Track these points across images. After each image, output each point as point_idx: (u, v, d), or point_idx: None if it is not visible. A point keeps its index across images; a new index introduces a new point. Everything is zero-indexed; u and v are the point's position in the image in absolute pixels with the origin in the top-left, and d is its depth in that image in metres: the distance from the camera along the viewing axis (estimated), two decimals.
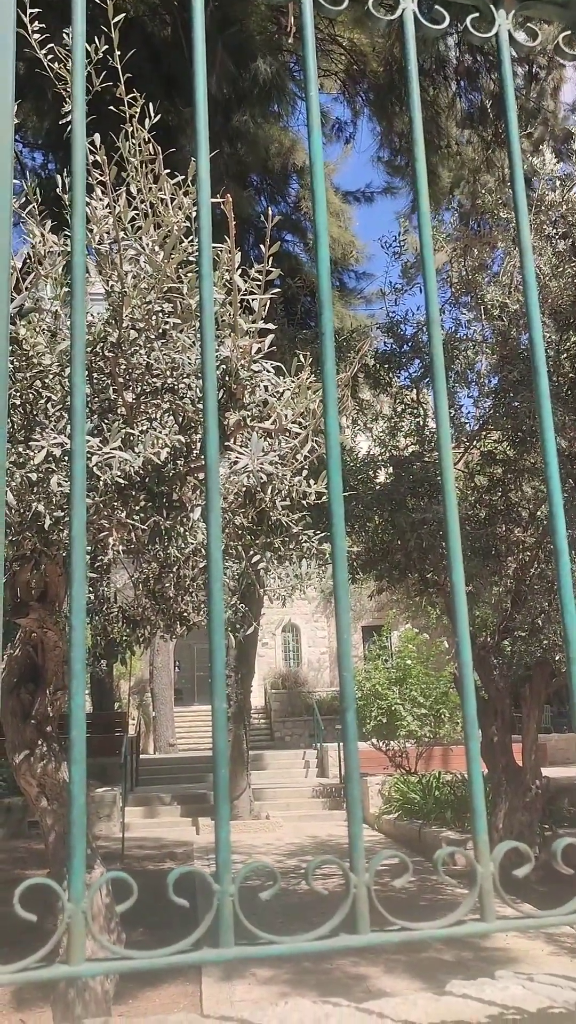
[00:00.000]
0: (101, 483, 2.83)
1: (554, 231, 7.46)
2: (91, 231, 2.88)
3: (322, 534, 3.48)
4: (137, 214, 2.92)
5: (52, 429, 2.93)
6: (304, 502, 3.32)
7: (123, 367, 3.04)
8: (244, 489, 3.25)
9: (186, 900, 1.16)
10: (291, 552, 3.59)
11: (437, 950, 6.05)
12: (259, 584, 4.05)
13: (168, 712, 24.25)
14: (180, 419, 3.14)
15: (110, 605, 4.75)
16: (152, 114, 2.82)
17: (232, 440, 3.07)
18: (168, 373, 3.06)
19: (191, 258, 2.96)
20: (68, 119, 2.55)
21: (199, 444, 3.13)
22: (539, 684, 8.72)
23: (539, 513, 7.96)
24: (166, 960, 1.06)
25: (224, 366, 2.96)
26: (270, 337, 3.07)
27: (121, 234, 2.87)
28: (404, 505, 7.68)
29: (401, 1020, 1.13)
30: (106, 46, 2.65)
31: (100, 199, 2.88)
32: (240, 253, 2.90)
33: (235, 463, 2.95)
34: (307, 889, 7.76)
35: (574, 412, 6.95)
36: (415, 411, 8.78)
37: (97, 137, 2.77)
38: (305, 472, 3.28)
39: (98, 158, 2.78)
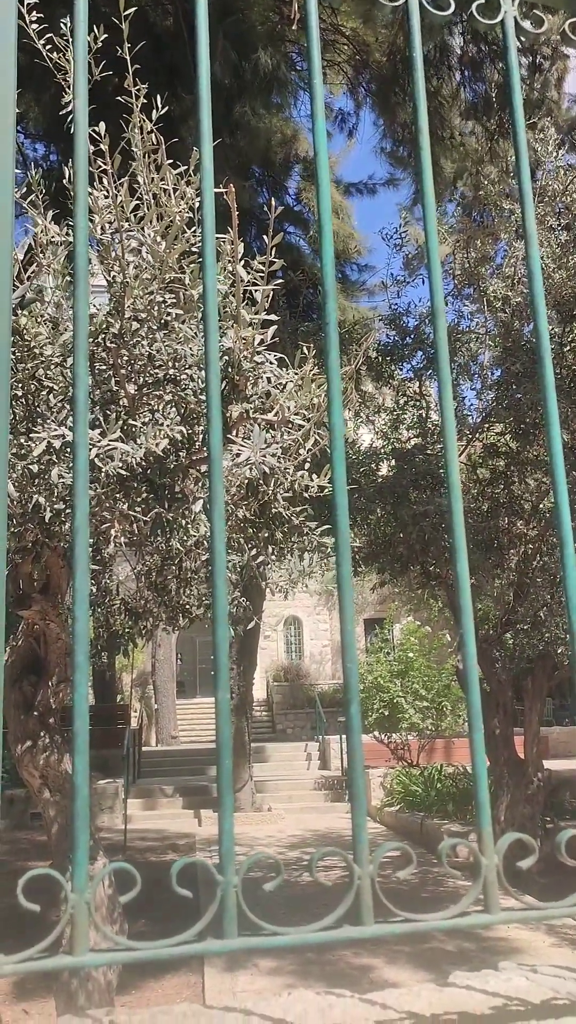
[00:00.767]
0: (103, 475, 2.83)
1: (557, 222, 7.43)
2: (93, 221, 2.87)
3: (324, 527, 3.48)
4: (140, 204, 2.91)
5: (53, 421, 2.93)
6: (306, 495, 3.31)
7: (125, 358, 3.03)
8: (246, 482, 3.24)
9: (189, 891, 1.16)
10: (293, 545, 3.59)
11: (440, 941, 6.07)
12: (261, 577, 4.04)
13: (170, 704, 24.31)
14: (182, 411, 3.13)
15: (112, 597, 4.75)
16: (159, 105, 2.81)
17: (234, 432, 3.06)
18: (170, 364, 3.05)
19: (193, 249, 2.95)
20: (70, 109, 2.54)
21: (201, 436, 3.12)
22: (541, 677, 8.73)
23: (541, 506, 7.95)
24: (169, 951, 1.06)
25: (227, 357, 2.95)
26: (273, 328, 3.06)
27: (124, 224, 2.86)
28: (406, 498, 7.67)
29: (405, 1011, 1.13)
30: (105, 35, 2.63)
31: (103, 189, 2.87)
32: (242, 245, 2.89)
33: (237, 455, 2.94)
34: (309, 881, 7.80)
35: None
36: (418, 403, 8.76)
37: (102, 126, 2.75)
38: (308, 465, 3.27)
39: (102, 147, 2.76)
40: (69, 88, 2.83)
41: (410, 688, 16.22)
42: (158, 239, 2.90)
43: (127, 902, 1.13)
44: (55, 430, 2.76)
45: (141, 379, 3.10)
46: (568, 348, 7.15)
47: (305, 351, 3.11)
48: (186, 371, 3.06)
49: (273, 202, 2.87)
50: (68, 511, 2.92)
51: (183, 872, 1.10)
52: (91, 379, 3.08)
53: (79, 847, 1.06)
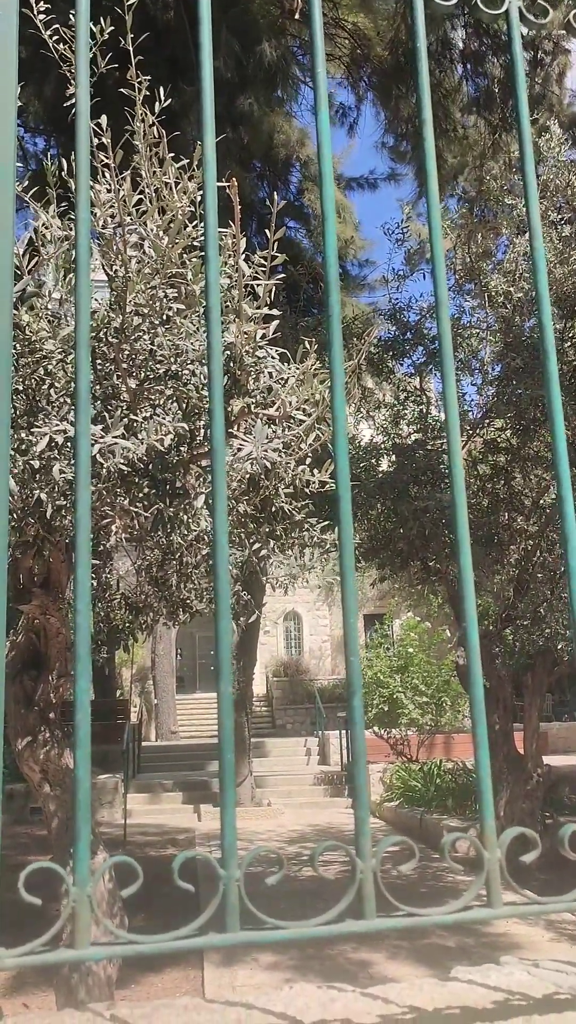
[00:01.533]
0: (104, 470, 2.82)
1: (559, 217, 7.41)
2: (95, 215, 2.86)
3: (325, 523, 3.47)
4: (142, 198, 2.90)
5: (54, 416, 2.92)
6: (307, 490, 3.30)
7: (126, 353, 3.02)
8: (247, 476, 3.24)
9: (189, 886, 1.16)
10: (294, 540, 3.58)
11: (439, 936, 6.08)
12: (262, 572, 4.04)
13: (170, 700, 24.32)
14: (184, 406, 3.12)
15: (113, 592, 4.75)
16: (161, 97, 2.80)
17: (236, 427, 3.05)
18: (172, 359, 3.04)
19: (195, 243, 2.94)
20: (72, 101, 2.52)
21: (203, 431, 3.11)
22: (541, 673, 8.73)
23: (542, 502, 7.94)
24: (171, 944, 1.05)
25: (229, 352, 2.94)
26: (274, 323, 3.05)
27: (126, 218, 2.85)
28: (407, 493, 7.67)
29: (407, 1005, 1.13)
30: (112, 27, 2.62)
31: (105, 182, 2.86)
32: (243, 240, 2.88)
33: (239, 450, 2.94)
34: (309, 876, 7.80)
35: None
36: (418, 399, 8.75)
37: (104, 119, 2.74)
38: (309, 460, 3.27)
39: (103, 140, 2.75)
40: (72, 80, 2.82)
41: (410, 683, 16.24)
42: (160, 233, 2.89)
43: (126, 897, 1.12)
44: (56, 425, 2.75)
45: (142, 374, 3.09)
46: (569, 344, 7.13)
47: (307, 346, 3.10)
48: (188, 366, 3.05)
49: (275, 196, 2.86)
50: (69, 507, 2.91)
51: (183, 867, 1.09)
52: (92, 374, 3.07)
53: (81, 840, 1.06)
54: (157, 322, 3.02)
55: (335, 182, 13.75)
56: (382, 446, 8.61)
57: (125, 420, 2.88)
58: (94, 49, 2.59)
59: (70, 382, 2.98)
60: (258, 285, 2.99)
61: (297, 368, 3.15)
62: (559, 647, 7.76)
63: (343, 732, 16.32)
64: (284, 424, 3.14)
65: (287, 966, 5.61)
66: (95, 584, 4.64)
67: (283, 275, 3.13)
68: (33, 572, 3.82)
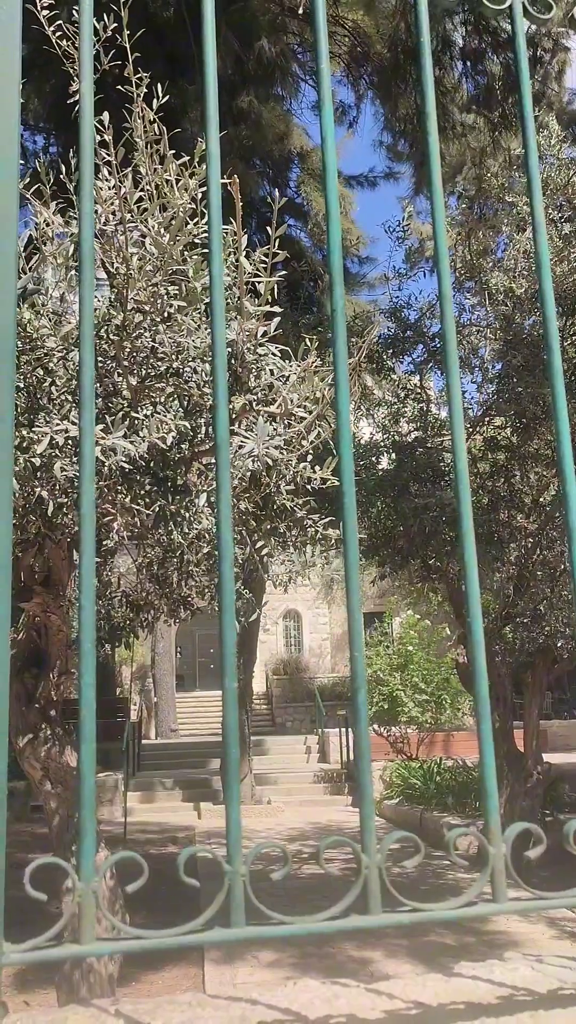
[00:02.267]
0: (106, 468, 2.82)
1: (559, 214, 7.41)
2: (97, 212, 2.86)
3: (327, 519, 3.47)
4: (143, 195, 2.90)
5: (55, 414, 2.92)
6: (309, 487, 3.30)
7: (128, 350, 3.01)
8: (249, 474, 3.24)
9: (194, 881, 1.16)
10: (295, 537, 3.58)
11: (439, 934, 6.08)
12: (263, 570, 4.04)
13: (170, 698, 24.34)
14: (185, 403, 3.12)
15: (113, 590, 4.74)
16: (159, 94, 2.79)
17: (237, 424, 3.05)
18: (173, 356, 3.04)
19: (196, 240, 2.93)
20: (75, 99, 2.52)
21: (204, 428, 3.11)
22: (541, 671, 8.74)
23: (542, 499, 7.94)
24: (176, 940, 1.05)
25: (230, 349, 2.94)
26: (276, 320, 3.05)
27: (127, 216, 2.84)
28: (407, 491, 7.67)
29: (411, 1000, 1.13)
30: (114, 24, 2.62)
31: (106, 179, 2.86)
32: (244, 237, 2.88)
33: (240, 447, 2.94)
34: (309, 873, 7.81)
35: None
36: (418, 397, 8.75)
37: (106, 116, 2.74)
38: (310, 457, 3.27)
39: (105, 137, 2.75)
40: (76, 76, 2.82)
41: (409, 681, 16.25)
42: (161, 231, 2.88)
43: (130, 893, 1.12)
44: (58, 424, 2.75)
45: (143, 371, 3.09)
46: (568, 343, 7.13)
47: (308, 343, 3.10)
48: (189, 363, 3.05)
49: (276, 193, 2.86)
50: (70, 504, 2.91)
51: (184, 864, 1.09)
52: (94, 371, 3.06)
53: (86, 835, 1.06)
54: (158, 319, 3.01)
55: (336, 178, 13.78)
56: (382, 444, 8.60)
57: (127, 419, 2.88)
58: (97, 46, 2.59)
59: (71, 380, 2.98)
60: (259, 282, 2.99)
61: (298, 365, 3.15)
62: (559, 645, 7.76)
63: (343, 730, 16.33)
64: (285, 421, 3.14)
65: (288, 964, 5.61)
66: (96, 582, 4.63)
67: (284, 272, 3.13)
68: (34, 570, 3.82)
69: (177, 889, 1.14)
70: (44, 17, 2.72)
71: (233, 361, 2.94)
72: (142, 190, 2.88)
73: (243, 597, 4.93)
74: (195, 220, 2.91)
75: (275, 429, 3.07)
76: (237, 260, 2.85)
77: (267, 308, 2.98)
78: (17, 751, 3.85)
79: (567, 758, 13.39)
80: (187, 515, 3.32)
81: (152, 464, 3.03)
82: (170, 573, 4.14)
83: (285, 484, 3.24)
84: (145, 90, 2.78)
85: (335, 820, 12.16)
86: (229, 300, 2.97)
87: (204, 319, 3.06)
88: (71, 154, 2.14)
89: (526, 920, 6.37)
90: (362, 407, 9.02)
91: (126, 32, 2.61)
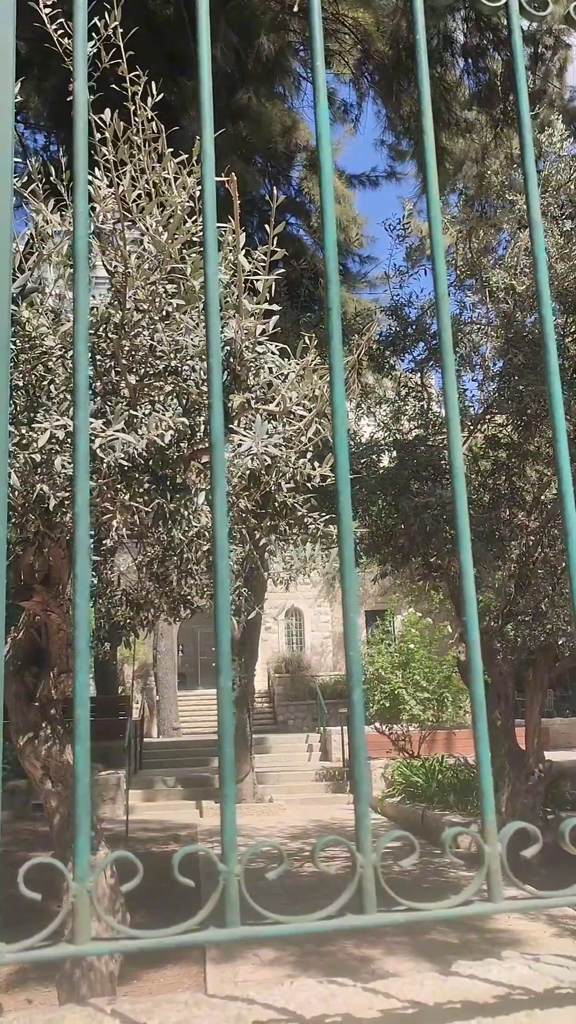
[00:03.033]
0: (104, 466, 2.82)
1: (560, 212, 7.39)
2: (94, 210, 2.85)
3: (327, 516, 3.46)
4: (140, 194, 2.89)
5: (55, 411, 2.92)
6: (309, 484, 3.30)
7: (126, 349, 3.01)
8: (248, 472, 3.23)
9: (189, 881, 1.15)
10: (295, 535, 3.58)
11: (440, 932, 6.08)
12: (263, 568, 4.03)
13: (171, 696, 24.36)
14: (184, 401, 3.12)
15: (114, 588, 4.75)
16: (154, 92, 2.79)
17: (236, 422, 3.05)
18: (172, 355, 3.03)
19: (195, 238, 2.93)
20: (72, 97, 2.51)
21: (203, 427, 3.11)
22: (542, 668, 8.73)
23: (543, 497, 7.93)
24: (173, 939, 1.05)
25: (228, 347, 2.93)
26: (275, 318, 3.04)
27: (125, 214, 2.84)
28: (408, 489, 7.66)
29: (408, 1000, 1.13)
30: (115, 23, 2.61)
31: (104, 178, 2.85)
32: (244, 235, 2.87)
33: (239, 446, 2.93)
34: (310, 872, 7.81)
35: None
36: (419, 394, 8.74)
37: (107, 114, 2.73)
38: (310, 454, 3.26)
39: (105, 135, 2.74)
40: (73, 74, 2.81)
41: (411, 679, 16.25)
42: (159, 229, 2.88)
43: (128, 893, 1.12)
44: (58, 420, 2.75)
45: (142, 370, 3.08)
46: (570, 339, 7.12)
47: (307, 341, 3.10)
48: (188, 362, 3.05)
49: (275, 191, 2.85)
50: (71, 500, 2.91)
51: (184, 862, 1.09)
52: (92, 370, 3.07)
53: (80, 835, 1.06)
54: (157, 318, 3.01)
55: (336, 175, 13.69)
56: (383, 442, 8.60)
57: (125, 416, 2.88)
58: (97, 44, 2.58)
59: (70, 378, 2.97)
60: (258, 280, 2.98)
61: (297, 363, 3.14)
62: (560, 643, 7.76)
63: (345, 728, 16.34)
64: (284, 419, 3.13)
65: (288, 962, 5.61)
66: (96, 580, 4.64)
67: (283, 270, 3.12)
68: (34, 568, 3.82)
69: (178, 887, 1.14)
70: (46, 15, 2.71)
71: (231, 359, 2.94)
72: (140, 188, 2.88)
73: (243, 595, 4.93)
74: (193, 218, 2.90)
75: (274, 427, 3.06)
76: (235, 258, 2.84)
77: (266, 306, 2.97)
78: (18, 750, 3.86)
79: (569, 756, 13.39)
80: (186, 513, 3.32)
81: (151, 462, 3.03)
82: (170, 571, 4.14)
83: (285, 482, 3.24)
84: (142, 88, 2.77)
85: (337, 818, 12.16)
86: (228, 298, 2.96)
87: (202, 317, 3.05)
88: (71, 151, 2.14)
89: (528, 918, 6.37)
90: (363, 405, 9.02)
91: (119, 30, 2.60)
